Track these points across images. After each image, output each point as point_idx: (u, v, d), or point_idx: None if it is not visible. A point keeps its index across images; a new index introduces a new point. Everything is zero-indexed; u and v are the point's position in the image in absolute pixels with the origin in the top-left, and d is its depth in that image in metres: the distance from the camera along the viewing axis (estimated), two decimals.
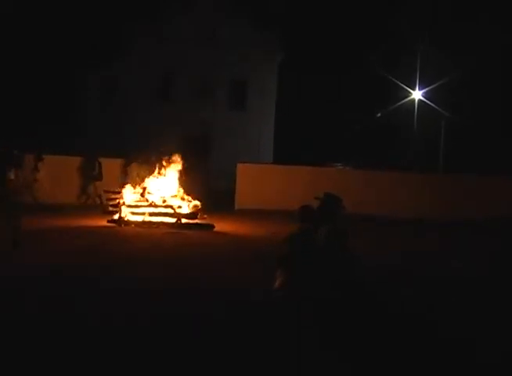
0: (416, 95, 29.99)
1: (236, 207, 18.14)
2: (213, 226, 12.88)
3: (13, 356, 4.49)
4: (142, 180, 13.76)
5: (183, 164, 13.83)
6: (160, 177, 13.70)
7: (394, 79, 29.64)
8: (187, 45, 32.56)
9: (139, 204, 13.21)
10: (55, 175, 16.84)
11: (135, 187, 13.63)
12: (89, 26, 32.63)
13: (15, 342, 4.80)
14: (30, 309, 5.76)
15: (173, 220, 12.94)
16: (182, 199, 13.42)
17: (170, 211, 13.05)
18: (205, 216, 13.34)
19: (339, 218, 6.50)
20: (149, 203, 13.17)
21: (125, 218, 12.86)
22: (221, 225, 13.26)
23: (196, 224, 12.95)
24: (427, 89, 29.77)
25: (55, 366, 4.35)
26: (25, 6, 32.34)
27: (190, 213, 13.13)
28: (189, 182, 13.90)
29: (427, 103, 29.61)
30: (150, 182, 13.58)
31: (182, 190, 13.69)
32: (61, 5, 32.67)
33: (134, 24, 32.98)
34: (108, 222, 12.79)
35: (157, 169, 13.79)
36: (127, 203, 13.11)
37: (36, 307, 5.83)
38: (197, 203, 13.38)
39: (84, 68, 33.51)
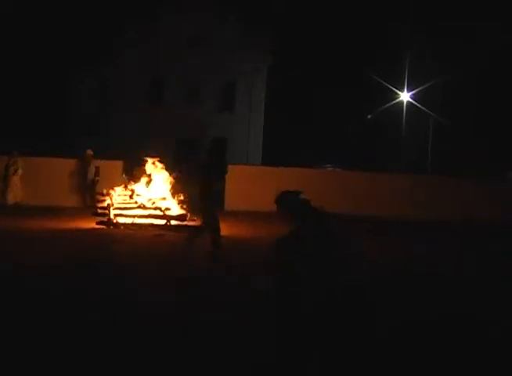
0: (405, 97, 30.14)
1: (226, 208, 18.14)
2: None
3: (11, 356, 4.49)
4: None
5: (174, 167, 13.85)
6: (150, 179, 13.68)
7: (383, 81, 29.79)
8: (177, 48, 32.55)
9: (128, 206, 13.21)
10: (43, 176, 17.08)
11: (125, 189, 13.63)
12: (83, 30, 32.61)
13: (11, 342, 4.80)
14: (16, 311, 5.73)
15: (162, 222, 12.94)
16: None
17: (159, 213, 13.05)
18: (194, 218, 13.32)
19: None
20: (138, 205, 13.17)
21: (114, 220, 12.84)
22: None
23: (186, 226, 12.93)
24: (415, 91, 29.95)
25: (52, 367, 4.35)
26: (21, 9, 32.34)
27: (179, 215, 13.13)
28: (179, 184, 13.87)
29: (416, 105, 29.78)
30: (139, 184, 13.56)
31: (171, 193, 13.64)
32: (55, 9, 32.65)
33: (126, 28, 32.98)
34: (97, 224, 12.77)
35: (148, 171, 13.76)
36: (116, 205, 13.10)
37: (28, 309, 5.80)
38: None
39: (77, 70, 33.47)
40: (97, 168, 17.54)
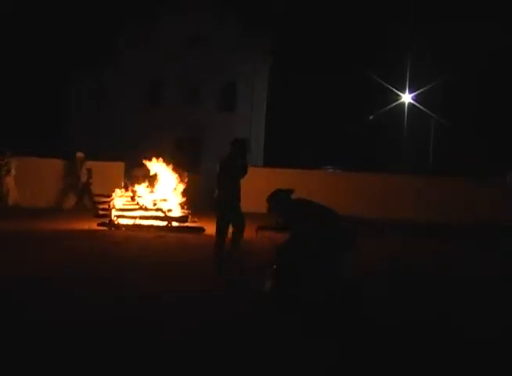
0: (406, 98, 30.13)
1: None
2: (203, 229, 12.88)
3: (11, 358, 4.49)
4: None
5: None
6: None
7: (384, 82, 29.79)
8: (177, 48, 32.54)
9: (130, 207, 13.22)
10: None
11: (126, 191, 13.64)
12: (83, 30, 32.66)
13: (10, 343, 4.80)
14: (16, 314, 5.73)
15: (163, 223, 12.95)
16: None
17: (160, 214, 13.05)
18: (195, 219, 13.35)
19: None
20: (139, 206, 13.18)
21: (116, 222, 12.85)
22: (212, 229, 13.20)
23: (187, 227, 12.95)
24: (417, 92, 29.96)
25: (52, 368, 4.35)
26: (21, 9, 32.41)
27: (181, 216, 13.15)
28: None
29: (417, 106, 29.78)
30: (140, 185, 13.58)
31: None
32: (55, 9, 32.71)
33: (126, 28, 32.99)
34: (98, 225, 12.78)
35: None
36: (117, 206, 13.12)
37: (23, 312, 5.78)
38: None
39: (77, 70, 33.49)
40: (89, 170, 17.34)
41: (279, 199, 6.56)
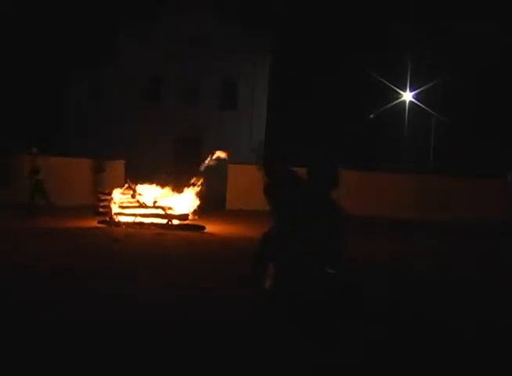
0: (407, 96, 30.10)
1: (228, 207, 18.17)
2: (204, 227, 12.89)
3: (10, 357, 4.48)
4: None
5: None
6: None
7: (385, 81, 29.76)
8: (177, 48, 32.55)
9: (130, 205, 13.21)
10: None
11: (126, 188, 13.64)
12: (83, 30, 32.68)
13: (10, 342, 4.79)
14: (17, 312, 5.72)
15: (164, 221, 12.95)
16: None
17: (161, 212, 13.05)
18: (196, 217, 13.35)
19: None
20: (139, 204, 13.17)
21: (116, 219, 12.85)
22: (212, 226, 13.27)
23: (187, 225, 12.95)
24: (417, 91, 29.91)
25: (52, 368, 4.34)
26: (21, 9, 32.41)
27: (181, 214, 13.14)
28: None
29: (418, 105, 29.75)
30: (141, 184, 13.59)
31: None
32: (54, 9, 32.72)
33: (127, 27, 33.01)
34: (99, 222, 12.77)
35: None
36: (117, 204, 13.11)
37: (23, 310, 5.77)
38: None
39: (77, 70, 33.52)
40: (37, 166, 16.92)
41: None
